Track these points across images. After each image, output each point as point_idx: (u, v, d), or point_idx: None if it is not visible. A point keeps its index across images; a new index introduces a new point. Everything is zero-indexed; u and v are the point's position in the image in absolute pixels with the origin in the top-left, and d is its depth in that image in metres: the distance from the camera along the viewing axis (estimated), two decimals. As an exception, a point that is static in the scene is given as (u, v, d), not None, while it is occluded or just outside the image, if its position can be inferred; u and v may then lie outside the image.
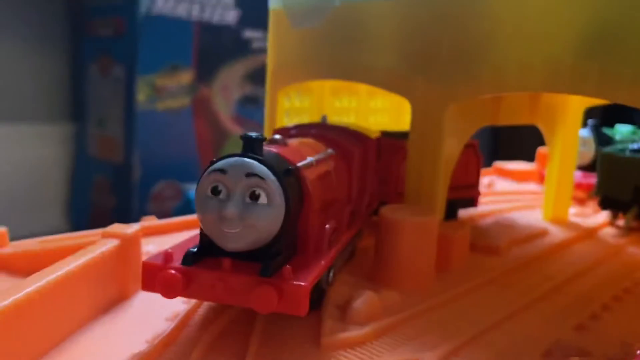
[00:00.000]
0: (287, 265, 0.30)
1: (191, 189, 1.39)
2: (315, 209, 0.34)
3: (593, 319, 0.38)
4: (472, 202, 0.61)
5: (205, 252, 0.32)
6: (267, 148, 0.34)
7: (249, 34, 1.52)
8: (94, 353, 0.31)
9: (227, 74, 1.53)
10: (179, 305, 0.36)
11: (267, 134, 0.59)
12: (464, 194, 0.59)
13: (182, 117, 1.47)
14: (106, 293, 0.36)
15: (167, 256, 0.31)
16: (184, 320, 0.34)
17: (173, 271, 0.30)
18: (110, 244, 0.36)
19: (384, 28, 0.47)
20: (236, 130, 1.55)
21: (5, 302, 0.27)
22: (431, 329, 0.36)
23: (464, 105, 0.46)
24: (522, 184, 0.90)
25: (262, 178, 0.30)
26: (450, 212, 0.55)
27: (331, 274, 0.37)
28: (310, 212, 0.34)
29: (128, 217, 1.38)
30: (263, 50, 1.51)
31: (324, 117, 0.51)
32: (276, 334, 0.34)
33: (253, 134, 0.32)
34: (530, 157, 1.00)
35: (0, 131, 1.34)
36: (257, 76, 1.52)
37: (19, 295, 0.28)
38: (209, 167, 0.31)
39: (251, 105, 1.58)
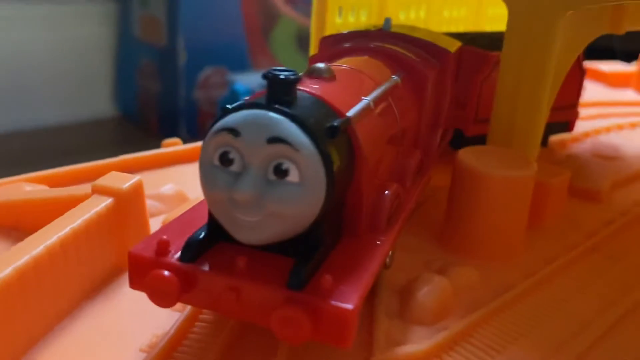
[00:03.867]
0: (327, 275, 0.20)
1: (239, 80, 1.29)
2: (370, 177, 0.24)
3: None
4: (568, 126, 0.49)
5: (216, 238, 0.23)
6: (304, 88, 0.23)
7: None
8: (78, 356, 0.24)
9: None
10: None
11: (313, 40, 0.47)
12: (560, 116, 0.47)
13: (230, -3, 1.35)
14: (96, 269, 0.28)
15: (160, 245, 0.22)
16: (195, 312, 0.26)
17: (166, 272, 0.21)
18: (102, 203, 0.28)
19: None
20: (287, 12, 1.41)
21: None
22: (523, 330, 0.27)
23: (582, 11, 0.34)
24: (618, 91, 0.75)
25: (292, 146, 0.20)
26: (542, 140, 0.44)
27: (390, 256, 0.28)
28: (364, 182, 0.24)
29: (174, 104, 1.31)
30: None
31: (388, 21, 0.39)
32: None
33: (282, 73, 0.21)
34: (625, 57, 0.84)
35: (40, 11, 1.25)
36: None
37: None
38: (217, 119, 0.22)
39: (306, -16, 1.42)
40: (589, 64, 0.80)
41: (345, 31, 0.38)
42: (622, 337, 0.27)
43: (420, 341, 0.25)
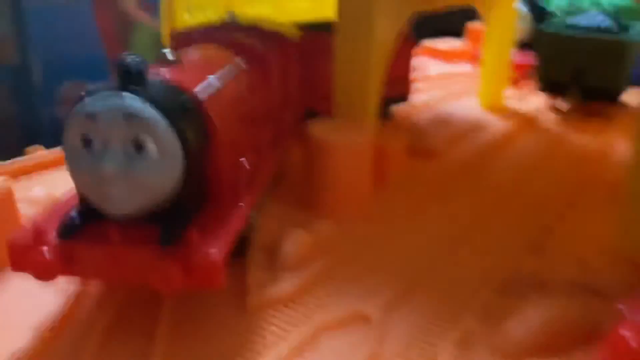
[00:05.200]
0: (193, 231, 0.23)
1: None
2: (225, 147, 0.28)
3: (548, 234, 0.35)
4: (403, 97, 0.56)
5: (89, 216, 0.25)
6: (154, 73, 0.26)
7: None
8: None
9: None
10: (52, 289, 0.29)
11: (164, 39, 0.50)
12: (395, 90, 0.53)
13: (81, 9, 1.31)
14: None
15: (36, 231, 0.24)
16: (79, 296, 0.28)
17: (45, 251, 0.23)
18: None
19: None
20: (143, 18, 1.39)
21: None
22: (373, 266, 0.31)
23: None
24: (454, 65, 0.84)
25: (147, 122, 0.23)
26: (383, 111, 0.49)
27: (254, 217, 0.31)
28: (219, 152, 0.27)
29: (34, 124, 1.26)
30: None
31: (231, 14, 0.42)
32: (191, 297, 0.28)
33: (132, 60, 0.24)
34: (456, 33, 0.94)
35: None
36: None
37: None
38: (75, 105, 0.24)
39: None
40: (427, 43, 0.89)
41: (189, 27, 0.41)
42: (453, 264, 0.32)
43: (285, 284, 0.29)
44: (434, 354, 0.25)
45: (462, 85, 0.71)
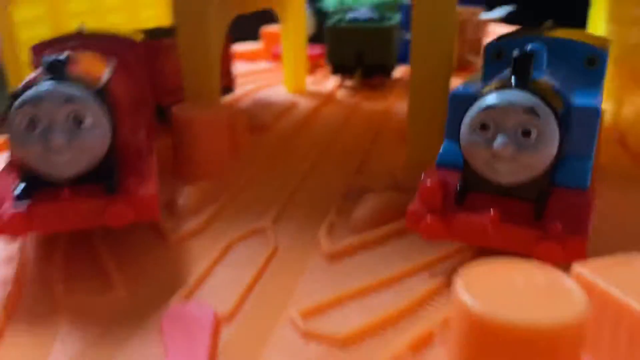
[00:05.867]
0: (131, 178, 0.31)
1: None
2: (127, 120, 0.35)
3: (365, 163, 0.48)
4: (230, 88, 0.66)
5: (32, 186, 0.31)
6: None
7: None
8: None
9: None
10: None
11: (6, 59, 0.53)
12: (223, 81, 0.63)
13: None
14: None
15: (-4, 198, 0.30)
16: (23, 259, 0.33)
17: (11, 210, 0.29)
18: None
19: None
20: None
21: None
22: (250, 203, 0.41)
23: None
24: (255, 64, 0.97)
25: (84, 102, 0.30)
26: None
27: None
28: (124, 124, 0.35)
29: None
30: None
31: (82, 26, 0.48)
32: (121, 243, 0.36)
33: (60, 57, 0.31)
34: (252, 37, 1.07)
35: None
36: None
37: None
38: (14, 97, 0.30)
39: None
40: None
41: (47, 39, 0.46)
42: (305, 190, 0.44)
43: (192, 222, 0.37)
44: (313, 237, 0.36)
45: (267, 78, 0.84)
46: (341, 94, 0.74)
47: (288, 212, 0.40)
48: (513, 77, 0.30)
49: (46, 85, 0.30)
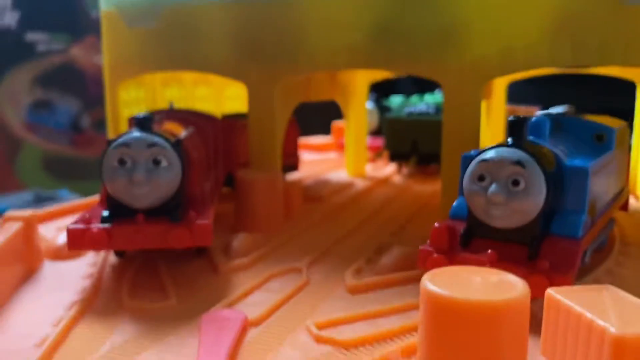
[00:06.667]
0: (192, 212, 0.39)
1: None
2: (197, 171, 0.43)
3: (401, 229, 0.54)
4: (295, 166, 0.74)
5: (115, 214, 0.39)
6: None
7: (31, 36, 1.46)
8: (27, 319, 0.37)
9: (11, 79, 1.46)
10: (85, 268, 0.42)
11: (109, 125, 0.65)
12: (289, 160, 0.71)
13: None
14: (15, 272, 0.41)
15: (86, 220, 0.38)
16: (98, 276, 0.41)
17: (96, 229, 0.37)
18: (15, 225, 0.41)
19: (216, 23, 0.56)
20: (30, 138, 1.49)
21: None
22: (293, 252, 0.47)
23: (286, 85, 0.58)
24: (324, 154, 1.06)
25: (162, 147, 0.39)
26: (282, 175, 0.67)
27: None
28: (194, 173, 0.43)
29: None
30: (50, 53, 1.47)
31: (171, 104, 0.59)
32: (180, 270, 0.42)
33: (144, 115, 0.40)
34: (325, 131, 1.17)
35: None
36: (48, 79, 1.48)
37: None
38: (110, 143, 0.39)
39: (44, 110, 1.53)
40: (302, 140, 1.10)
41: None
42: (342, 246, 0.49)
43: (240, 260, 0.44)
44: (341, 278, 0.41)
45: (332, 164, 0.92)
46: (396, 178, 0.80)
47: (323, 259, 0.46)
48: (509, 138, 0.35)
49: (134, 133, 0.39)
